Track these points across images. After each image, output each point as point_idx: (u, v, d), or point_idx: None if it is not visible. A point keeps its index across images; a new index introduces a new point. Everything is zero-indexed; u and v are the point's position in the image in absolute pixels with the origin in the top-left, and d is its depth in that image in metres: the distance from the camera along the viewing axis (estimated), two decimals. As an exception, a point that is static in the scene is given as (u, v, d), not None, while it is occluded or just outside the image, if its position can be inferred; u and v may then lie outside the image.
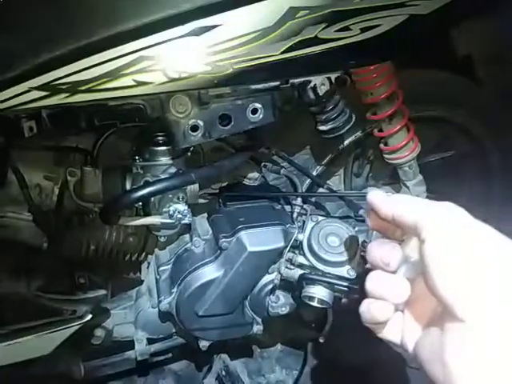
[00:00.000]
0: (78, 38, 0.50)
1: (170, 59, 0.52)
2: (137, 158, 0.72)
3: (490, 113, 0.99)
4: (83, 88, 0.51)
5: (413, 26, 0.59)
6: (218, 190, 0.88)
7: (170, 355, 1.05)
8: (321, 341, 0.86)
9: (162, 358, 1.04)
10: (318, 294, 0.74)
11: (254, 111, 0.64)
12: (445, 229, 0.37)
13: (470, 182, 1.10)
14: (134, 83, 0.52)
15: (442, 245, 0.37)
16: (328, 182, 0.98)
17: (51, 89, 0.51)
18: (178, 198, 0.74)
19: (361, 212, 0.77)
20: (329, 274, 0.73)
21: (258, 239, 0.75)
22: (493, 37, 0.87)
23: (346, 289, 0.73)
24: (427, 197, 0.87)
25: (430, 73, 0.91)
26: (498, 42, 0.88)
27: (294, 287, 0.80)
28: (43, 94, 0.51)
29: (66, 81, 0.51)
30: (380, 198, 0.44)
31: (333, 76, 0.67)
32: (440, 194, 0.90)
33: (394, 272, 0.43)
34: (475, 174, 1.09)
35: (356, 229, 0.79)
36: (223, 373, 1.05)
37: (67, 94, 0.51)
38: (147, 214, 0.75)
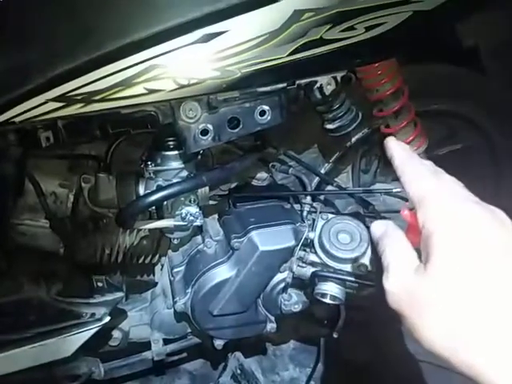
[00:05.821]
0: (90, 50, 0.51)
1: (179, 67, 0.53)
2: (149, 163, 0.74)
3: (497, 104, 0.98)
4: (97, 98, 0.53)
5: (417, 22, 0.59)
6: (227, 192, 0.89)
7: (185, 355, 1.06)
8: (335, 336, 0.87)
9: (177, 357, 1.06)
10: (331, 290, 0.75)
11: (262, 113, 0.65)
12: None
13: (479, 175, 1.09)
14: (145, 91, 0.53)
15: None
16: (336, 179, 0.98)
17: (67, 100, 0.52)
18: (190, 201, 0.76)
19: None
20: (340, 270, 0.74)
21: (269, 238, 0.77)
22: (498, 26, 0.86)
23: (357, 285, 0.74)
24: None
25: (435, 66, 0.91)
26: (503, 32, 0.88)
27: (306, 285, 0.81)
28: (59, 105, 0.52)
29: (81, 91, 0.52)
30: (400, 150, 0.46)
31: (339, 75, 0.68)
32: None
33: None
34: (483, 166, 1.09)
35: (366, 225, 0.80)
36: (238, 371, 1.07)
37: (82, 104, 0.53)
38: (160, 217, 0.77)
